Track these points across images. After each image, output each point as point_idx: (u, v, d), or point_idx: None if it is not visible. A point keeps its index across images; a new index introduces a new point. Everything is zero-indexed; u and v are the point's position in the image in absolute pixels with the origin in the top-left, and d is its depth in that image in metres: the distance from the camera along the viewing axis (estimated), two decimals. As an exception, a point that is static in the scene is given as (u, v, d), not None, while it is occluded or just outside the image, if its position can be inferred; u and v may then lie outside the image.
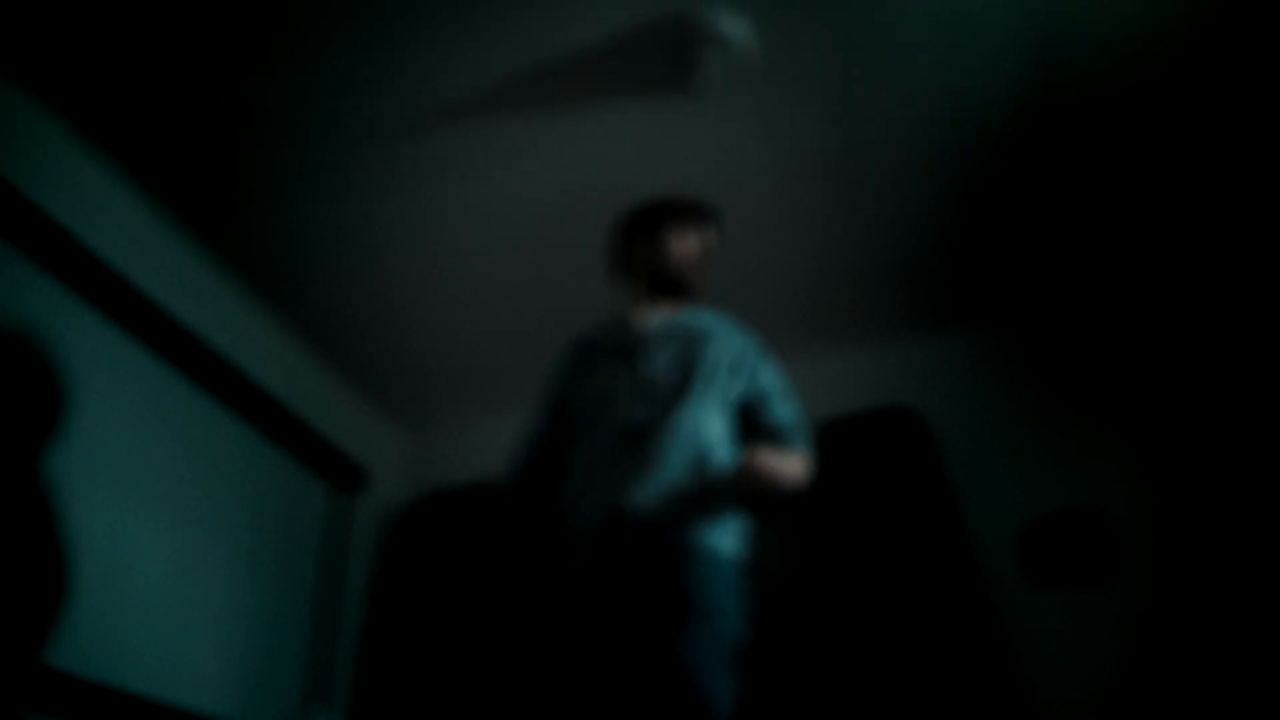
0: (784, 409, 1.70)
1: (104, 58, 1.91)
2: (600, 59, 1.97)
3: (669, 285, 1.74)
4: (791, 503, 2.47)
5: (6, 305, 1.87)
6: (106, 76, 1.95)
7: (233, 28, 1.87)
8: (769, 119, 2.16)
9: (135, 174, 2.19)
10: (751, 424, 1.68)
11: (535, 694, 1.41)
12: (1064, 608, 2.40)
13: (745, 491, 1.49)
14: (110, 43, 1.88)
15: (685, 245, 1.75)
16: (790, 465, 1.58)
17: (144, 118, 2.05)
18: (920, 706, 2.24)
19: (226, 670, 2.29)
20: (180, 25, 1.86)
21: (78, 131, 2.07)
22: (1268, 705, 2.10)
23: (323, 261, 2.49)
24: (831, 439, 2.59)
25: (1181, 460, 2.47)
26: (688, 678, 1.31)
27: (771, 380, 1.72)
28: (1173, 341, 2.63)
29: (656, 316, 1.74)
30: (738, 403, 1.67)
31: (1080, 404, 2.64)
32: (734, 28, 1.93)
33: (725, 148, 2.22)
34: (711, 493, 1.51)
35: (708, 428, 1.59)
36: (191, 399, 2.31)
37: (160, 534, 2.14)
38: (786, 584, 2.44)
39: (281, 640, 2.51)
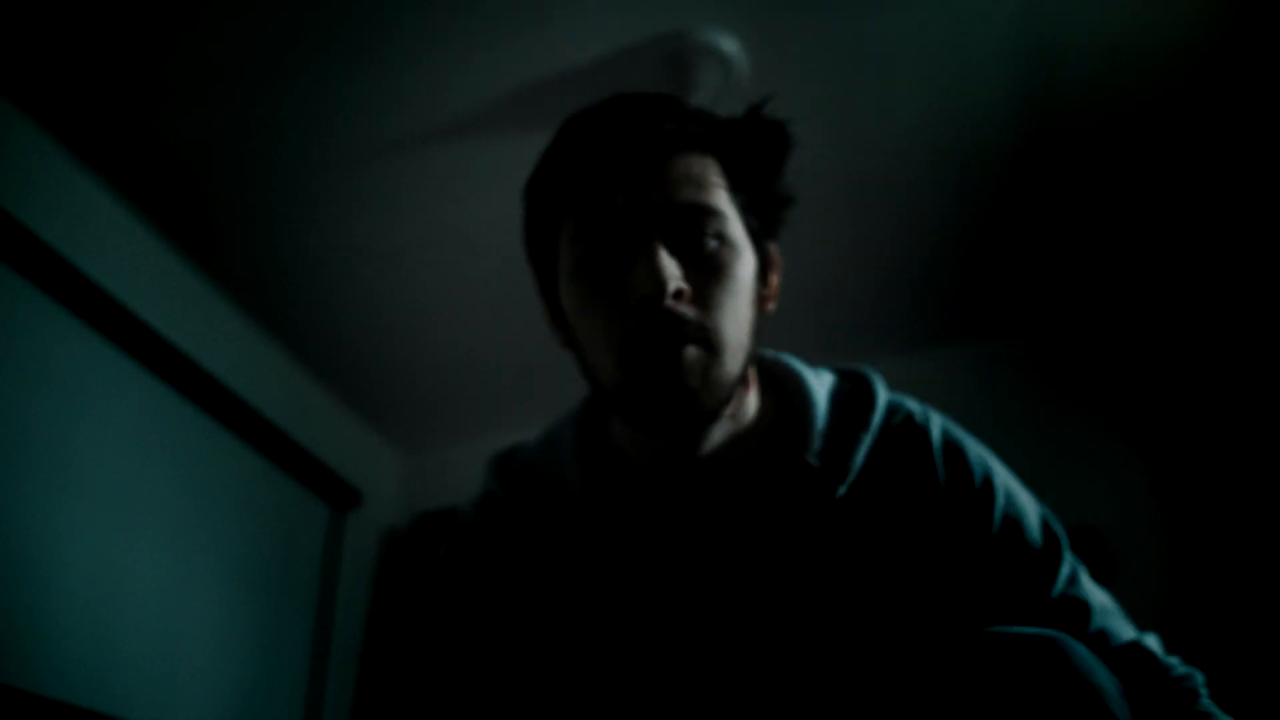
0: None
1: (97, 79, 1.91)
2: (594, 80, 1.97)
3: (686, 418, 0.76)
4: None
5: (2, 323, 1.86)
6: (100, 98, 1.95)
7: (222, 51, 1.87)
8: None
9: (126, 194, 2.18)
10: None
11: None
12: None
13: None
14: (103, 65, 1.88)
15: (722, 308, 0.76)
16: None
17: (135, 139, 2.05)
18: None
19: (223, 696, 2.27)
20: (169, 49, 1.86)
21: (70, 150, 2.07)
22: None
23: (315, 282, 2.49)
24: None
25: (1186, 477, 2.46)
26: None
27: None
28: (1178, 358, 2.61)
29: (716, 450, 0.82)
30: None
31: (1084, 420, 2.63)
32: (733, 46, 1.92)
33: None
34: None
35: None
36: (186, 418, 2.29)
37: (155, 556, 2.12)
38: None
39: (280, 665, 2.48)
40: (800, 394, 0.86)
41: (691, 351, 0.73)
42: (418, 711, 0.88)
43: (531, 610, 0.85)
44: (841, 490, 0.79)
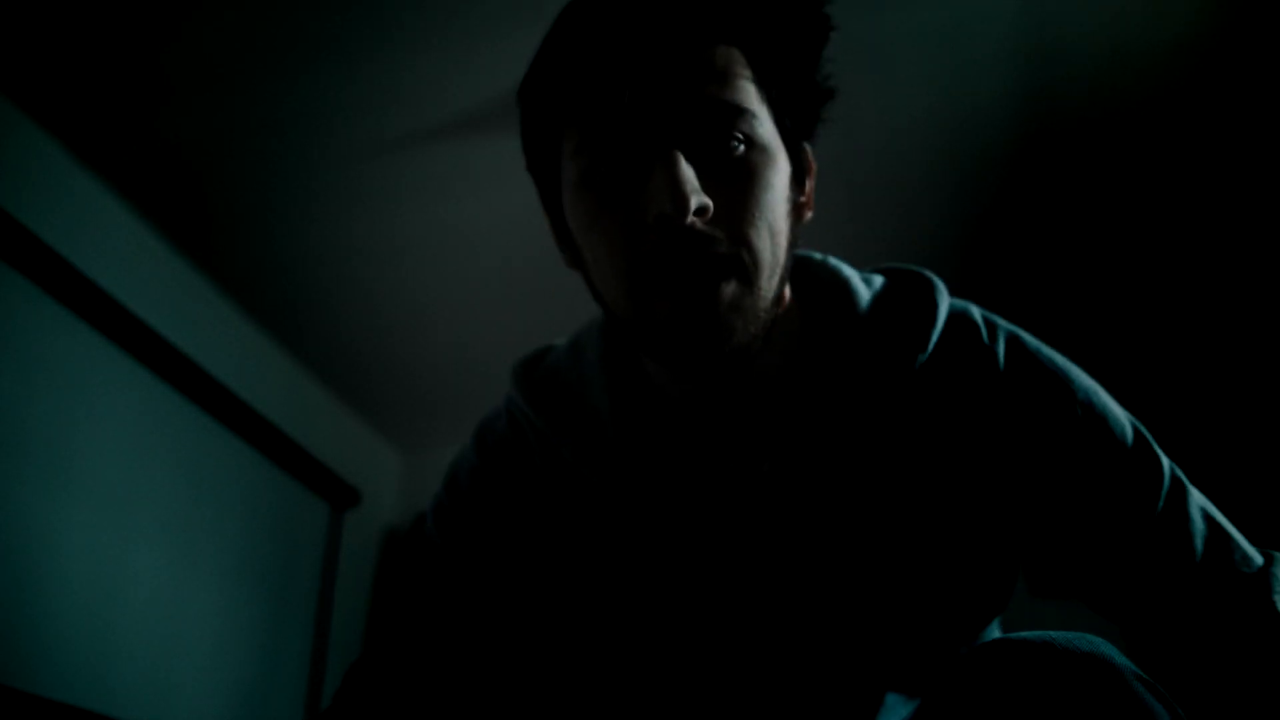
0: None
1: (96, 78, 1.90)
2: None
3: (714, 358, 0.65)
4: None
5: (2, 322, 1.86)
6: (99, 97, 1.94)
7: (222, 50, 1.87)
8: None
9: (126, 193, 2.18)
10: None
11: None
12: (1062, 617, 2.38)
13: None
14: (103, 64, 1.88)
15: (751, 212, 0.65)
16: None
17: (135, 138, 2.05)
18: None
19: (223, 696, 2.27)
20: (168, 48, 1.86)
21: (69, 149, 2.06)
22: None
23: (315, 281, 2.49)
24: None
25: (1187, 478, 2.45)
26: None
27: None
28: (1179, 358, 2.61)
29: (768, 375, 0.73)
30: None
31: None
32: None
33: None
34: None
35: None
36: (185, 416, 2.29)
37: (154, 555, 2.12)
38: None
39: (280, 664, 2.48)
40: (840, 296, 0.76)
41: (727, 289, 0.64)
42: (427, 630, 0.79)
43: (562, 543, 0.77)
44: (903, 375, 0.70)
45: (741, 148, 0.65)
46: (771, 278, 0.66)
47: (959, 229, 2.43)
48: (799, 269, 0.78)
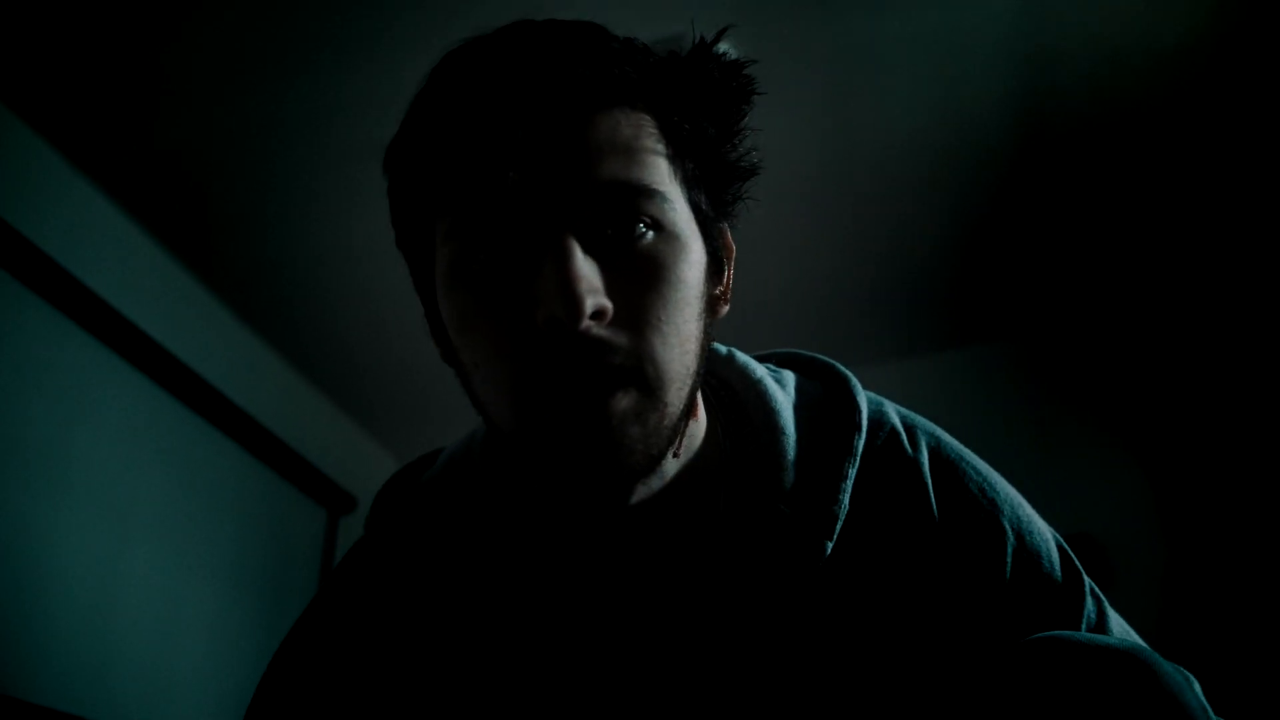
0: None
1: (92, 83, 1.90)
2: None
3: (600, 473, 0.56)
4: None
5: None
6: (95, 101, 1.94)
7: (218, 52, 1.87)
8: (768, 143, 2.15)
9: (121, 198, 2.18)
10: None
11: None
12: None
13: None
14: (98, 68, 1.87)
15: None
16: None
17: (130, 141, 2.04)
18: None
19: (219, 702, 2.25)
20: (166, 51, 1.86)
21: (64, 154, 2.06)
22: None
23: (310, 286, 2.48)
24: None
25: (1186, 484, 2.45)
26: None
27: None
28: (1177, 363, 2.61)
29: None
30: None
31: (1081, 425, 2.62)
32: (731, 48, 1.92)
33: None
34: None
35: None
36: (182, 422, 2.28)
37: (152, 560, 2.11)
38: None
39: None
40: (763, 412, 0.66)
41: (622, 399, 0.54)
42: None
43: (407, 684, 0.69)
44: (829, 546, 0.60)
45: (649, 235, 0.56)
46: (681, 390, 0.57)
47: (959, 230, 2.43)
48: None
